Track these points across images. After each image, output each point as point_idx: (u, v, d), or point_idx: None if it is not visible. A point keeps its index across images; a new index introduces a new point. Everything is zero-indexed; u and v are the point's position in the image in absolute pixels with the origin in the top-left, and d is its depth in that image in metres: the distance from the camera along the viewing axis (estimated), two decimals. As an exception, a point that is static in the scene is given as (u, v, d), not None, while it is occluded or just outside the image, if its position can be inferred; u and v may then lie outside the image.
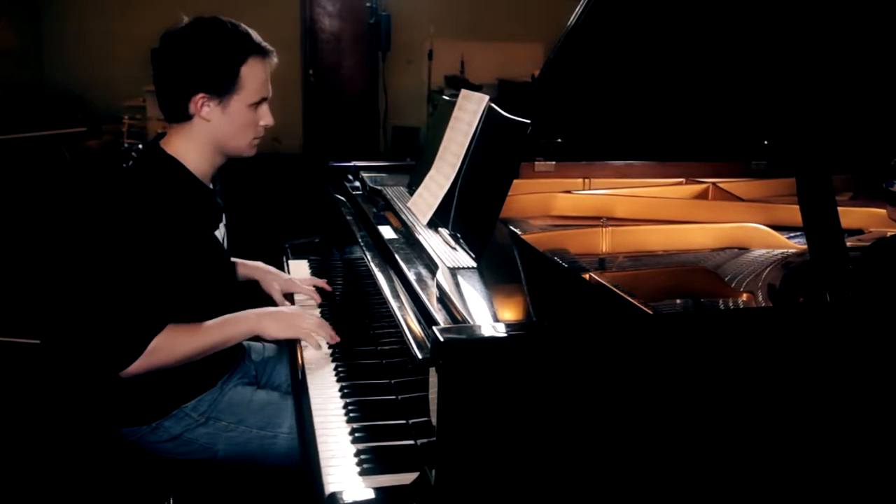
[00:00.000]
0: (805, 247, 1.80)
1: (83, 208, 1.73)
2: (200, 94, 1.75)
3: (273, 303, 2.14)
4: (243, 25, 1.83)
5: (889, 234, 2.06)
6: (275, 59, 1.86)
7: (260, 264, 2.25)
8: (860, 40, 2.02)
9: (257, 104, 1.82)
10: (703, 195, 2.41)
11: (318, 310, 2.14)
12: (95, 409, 1.86)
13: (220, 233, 1.94)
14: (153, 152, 1.81)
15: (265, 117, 1.85)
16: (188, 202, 1.78)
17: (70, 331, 1.78)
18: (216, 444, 1.86)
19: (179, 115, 1.78)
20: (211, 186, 1.90)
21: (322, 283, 2.21)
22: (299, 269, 2.48)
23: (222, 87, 1.76)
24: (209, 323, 1.80)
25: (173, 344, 1.72)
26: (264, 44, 1.83)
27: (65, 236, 1.74)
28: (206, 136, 1.80)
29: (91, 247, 1.72)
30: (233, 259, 2.23)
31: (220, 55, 1.75)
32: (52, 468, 1.89)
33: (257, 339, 1.91)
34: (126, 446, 1.87)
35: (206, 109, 1.76)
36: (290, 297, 2.19)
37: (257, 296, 2.19)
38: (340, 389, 1.69)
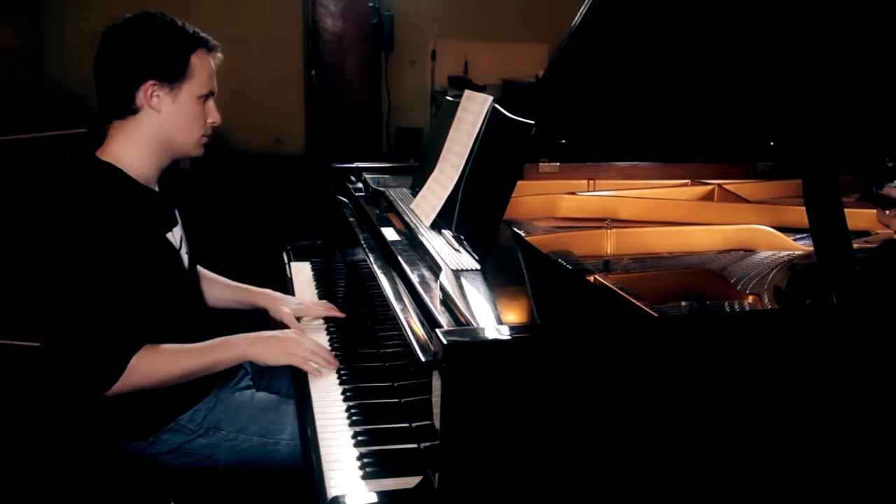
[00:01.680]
0: (811, 249, 1.80)
1: (32, 229, 1.68)
2: (150, 82, 1.70)
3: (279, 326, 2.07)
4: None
5: (896, 236, 2.05)
6: (219, 55, 1.82)
7: (267, 291, 2.17)
8: (867, 40, 2.01)
9: (205, 98, 1.78)
10: (708, 197, 2.40)
11: (324, 324, 2.11)
12: (92, 426, 1.83)
13: (176, 238, 1.88)
14: (85, 163, 1.74)
15: (213, 114, 1.81)
16: (130, 208, 1.71)
17: (48, 352, 1.74)
18: (217, 453, 1.84)
19: (124, 108, 1.72)
20: (157, 189, 1.83)
21: (333, 308, 2.11)
22: (301, 271, 2.47)
23: (173, 74, 1.72)
24: (197, 345, 1.77)
25: (155, 364, 1.68)
26: (210, 38, 1.80)
27: (28, 255, 1.70)
28: (152, 131, 1.74)
29: (45, 271, 1.67)
30: (238, 284, 2.20)
31: (170, 42, 1.72)
32: (52, 473, 1.88)
33: None
34: (127, 455, 1.85)
35: (155, 99, 1.71)
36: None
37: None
38: (343, 393, 1.68)
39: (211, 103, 1.81)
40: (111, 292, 1.63)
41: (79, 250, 1.62)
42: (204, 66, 1.77)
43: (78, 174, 1.71)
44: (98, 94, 1.75)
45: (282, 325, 2.04)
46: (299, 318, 2.09)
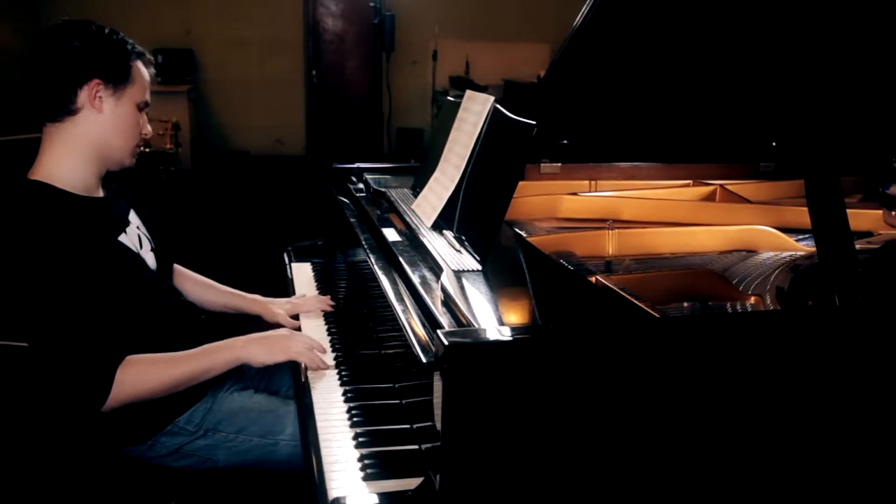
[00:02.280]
0: (814, 249, 1.79)
1: None
2: (96, 81, 1.69)
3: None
4: None
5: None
6: (153, 70, 1.85)
7: (258, 297, 2.17)
8: (871, 39, 2.00)
9: (141, 109, 1.79)
10: (710, 197, 2.40)
11: (322, 314, 2.13)
12: (92, 431, 1.82)
13: (133, 239, 1.84)
14: (16, 187, 1.69)
15: (145, 126, 1.82)
16: (70, 222, 1.64)
17: (34, 373, 1.74)
18: (217, 454, 1.84)
19: (63, 108, 1.69)
20: (101, 195, 1.79)
21: (326, 300, 2.15)
22: (302, 271, 2.47)
23: (118, 77, 1.72)
24: (188, 352, 1.75)
25: (144, 375, 1.66)
26: (147, 54, 1.83)
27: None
28: (88, 135, 1.71)
29: (9, 301, 1.64)
30: (230, 290, 2.19)
31: (115, 46, 1.73)
32: (53, 478, 1.88)
33: None
34: (127, 459, 1.85)
35: (98, 100, 1.70)
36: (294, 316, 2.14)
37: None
38: (344, 394, 1.67)
39: (145, 115, 1.82)
40: (77, 312, 1.60)
41: (32, 279, 1.59)
42: (143, 76, 1.78)
43: (9, 201, 1.67)
44: (32, 95, 1.72)
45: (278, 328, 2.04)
46: (295, 317, 2.10)
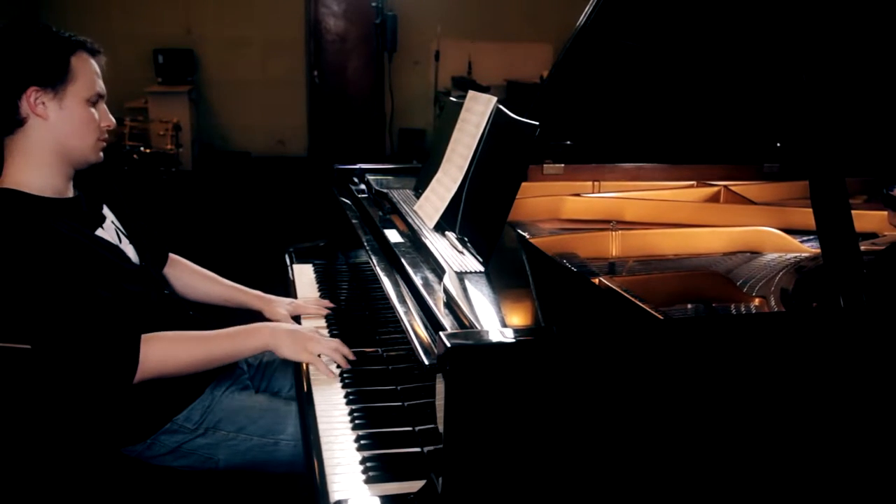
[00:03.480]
0: (818, 251, 1.79)
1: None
2: (32, 88, 1.65)
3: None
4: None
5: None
6: (103, 60, 1.78)
7: (261, 294, 2.17)
8: (876, 40, 2.00)
9: (94, 102, 1.74)
10: (714, 198, 2.39)
11: (325, 320, 2.11)
12: (91, 431, 1.82)
13: (111, 233, 1.84)
14: None
15: (105, 118, 1.78)
16: (43, 223, 1.64)
17: (54, 361, 1.73)
18: (216, 454, 1.83)
19: (10, 121, 1.66)
20: (72, 195, 1.78)
21: (326, 303, 2.16)
22: (304, 273, 2.46)
23: (54, 78, 1.67)
24: (216, 332, 1.76)
25: (166, 350, 1.68)
26: (90, 41, 1.76)
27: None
28: (44, 143, 1.69)
29: (8, 308, 1.64)
30: (233, 284, 2.19)
31: (47, 46, 1.68)
32: (53, 480, 1.87)
33: None
34: (127, 460, 1.84)
35: (41, 106, 1.67)
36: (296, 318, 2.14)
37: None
38: (346, 396, 1.67)
39: (103, 107, 1.78)
40: (82, 296, 1.61)
41: (25, 278, 1.59)
42: (87, 68, 1.72)
43: None
44: None
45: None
46: (296, 318, 2.10)
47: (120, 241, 1.85)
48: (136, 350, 1.64)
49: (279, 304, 2.13)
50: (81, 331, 1.61)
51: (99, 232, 1.79)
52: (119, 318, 1.65)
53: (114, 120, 1.81)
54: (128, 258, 1.84)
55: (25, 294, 1.61)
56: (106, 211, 1.88)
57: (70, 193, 1.78)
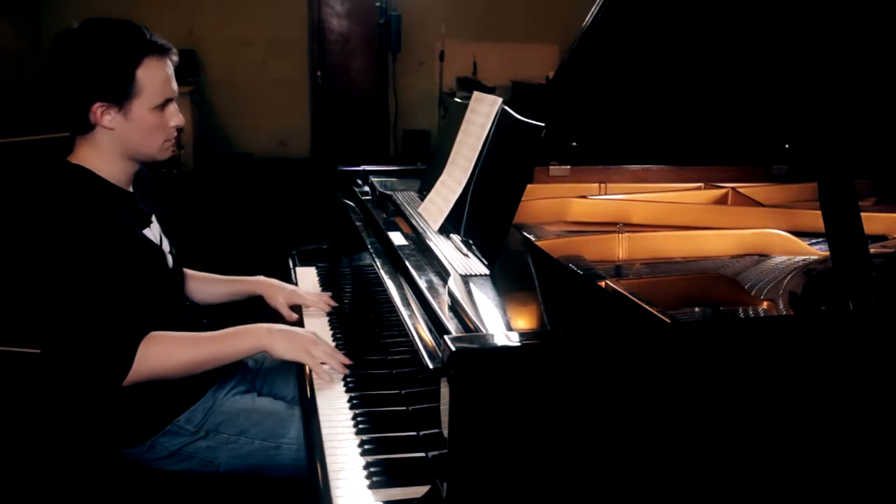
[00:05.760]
0: (827, 253, 1.77)
1: (19, 235, 1.68)
2: (98, 104, 1.67)
3: (279, 317, 2.09)
4: (137, 24, 1.74)
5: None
6: (175, 57, 1.78)
7: (261, 278, 2.19)
8: (885, 40, 1.99)
9: (162, 106, 1.75)
10: (722, 200, 2.38)
11: (327, 318, 2.11)
12: (90, 432, 1.81)
13: (156, 235, 1.87)
14: (56, 167, 1.74)
15: (174, 118, 1.78)
16: (104, 205, 1.70)
17: (51, 355, 1.74)
18: (217, 457, 1.82)
19: (81, 125, 1.71)
20: (131, 190, 1.83)
21: (327, 297, 2.17)
22: (307, 276, 2.45)
23: (119, 94, 1.68)
24: (212, 333, 1.76)
25: (166, 351, 1.68)
26: (161, 41, 1.74)
27: (19, 260, 1.70)
28: (112, 145, 1.74)
29: (36, 274, 1.67)
30: (232, 277, 2.21)
31: (112, 60, 1.68)
32: (52, 483, 1.86)
33: None
34: (126, 462, 1.83)
35: (107, 118, 1.69)
36: (296, 309, 2.15)
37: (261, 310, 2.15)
38: (349, 400, 1.66)
39: (172, 107, 1.78)
40: (103, 286, 1.63)
41: (64, 249, 1.62)
42: (155, 76, 1.72)
43: (50, 178, 1.72)
44: (54, 109, 1.74)
45: (280, 318, 2.07)
46: (294, 308, 2.12)
47: (161, 244, 1.89)
48: (132, 349, 1.64)
49: (280, 291, 2.14)
50: (87, 316, 1.62)
51: (146, 231, 1.83)
52: (128, 316, 1.66)
53: (182, 118, 1.83)
54: (166, 262, 1.88)
55: (54, 264, 1.63)
56: (153, 218, 1.92)
57: (130, 188, 1.83)
